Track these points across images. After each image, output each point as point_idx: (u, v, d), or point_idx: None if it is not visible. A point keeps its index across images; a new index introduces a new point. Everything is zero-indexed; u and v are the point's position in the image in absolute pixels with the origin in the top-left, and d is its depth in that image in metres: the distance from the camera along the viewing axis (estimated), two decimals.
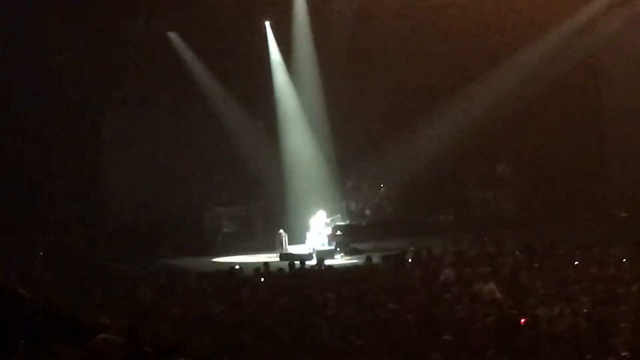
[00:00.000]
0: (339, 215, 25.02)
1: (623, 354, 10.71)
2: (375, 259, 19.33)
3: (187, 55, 26.17)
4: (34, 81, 24.09)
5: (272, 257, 22.75)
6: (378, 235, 25.26)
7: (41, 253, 23.21)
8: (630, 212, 25.51)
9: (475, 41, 26.55)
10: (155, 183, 26.57)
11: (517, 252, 18.41)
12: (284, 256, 22.81)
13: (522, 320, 12.32)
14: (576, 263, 16.84)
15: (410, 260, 18.85)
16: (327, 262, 20.39)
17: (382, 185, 27.33)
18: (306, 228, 24.22)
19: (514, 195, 27.13)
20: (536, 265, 16.94)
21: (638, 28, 25.90)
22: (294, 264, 18.77)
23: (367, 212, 26.97)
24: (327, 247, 23.50)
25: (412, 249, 20.02)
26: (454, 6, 26.35)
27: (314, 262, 20.83)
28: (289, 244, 24.43)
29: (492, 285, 14.78)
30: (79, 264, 22.82)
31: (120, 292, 17.56)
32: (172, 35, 26.14)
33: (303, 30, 26.31)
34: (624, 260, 16.68)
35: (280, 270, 17.99)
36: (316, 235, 23.85)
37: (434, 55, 26.85)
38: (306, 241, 24.02)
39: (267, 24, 26.58)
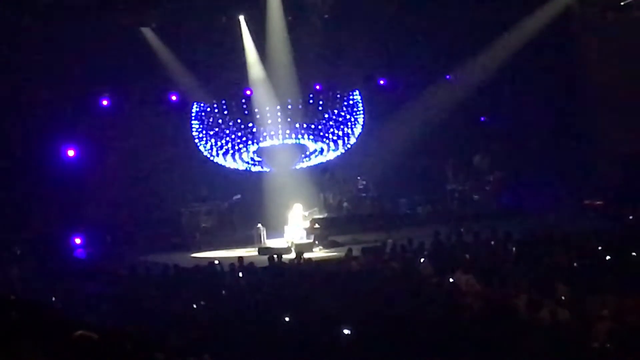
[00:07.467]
0: (316, 209, 25.06)
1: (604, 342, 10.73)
2: (355, 251, 19.34)
3: (161, 50, 26.04)
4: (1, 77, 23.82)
5: (251, 252, 22.77)
6: (356, 227, 25.26)
7: (18, 252, 23.08)
8: (605, 200, 25.60)
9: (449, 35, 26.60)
10: (133, 179, 26.46)
11: (492, 242, 18.49)
12: (263, 250, 22.82)
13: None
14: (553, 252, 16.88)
15: (389, 252, 18.88)
16: (306, 255, 20.38)
17: (359, 177, 27.32)
18: (284, 222, 24.22)
19: (489, 186, 27.17)
20: (514, 254, 16.98)
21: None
22: (272, 257, 18.77)
23: (345, 204, 26.95)
24: (305, 241, 23.54)
25: (390, 240, 20.07)
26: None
27: (292, 255, 20.83)
28: (268, 238, 24.46)
29: (470, 276, 14.82)
30: (57, 262, 22.73)
31: (99, 289, 17.51)
32: (146, 31, 25.99)
33: (278, 24, 26.22)
34: (599, 248, 16.74)
35: (252, 264, 17.96)
36: (294, 228, 23.87)
37: (411, 46, 26.86)
38: (284, 235, 24.03)
39: (242, 18, 26.45)
